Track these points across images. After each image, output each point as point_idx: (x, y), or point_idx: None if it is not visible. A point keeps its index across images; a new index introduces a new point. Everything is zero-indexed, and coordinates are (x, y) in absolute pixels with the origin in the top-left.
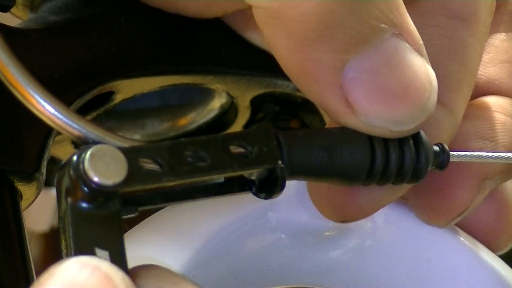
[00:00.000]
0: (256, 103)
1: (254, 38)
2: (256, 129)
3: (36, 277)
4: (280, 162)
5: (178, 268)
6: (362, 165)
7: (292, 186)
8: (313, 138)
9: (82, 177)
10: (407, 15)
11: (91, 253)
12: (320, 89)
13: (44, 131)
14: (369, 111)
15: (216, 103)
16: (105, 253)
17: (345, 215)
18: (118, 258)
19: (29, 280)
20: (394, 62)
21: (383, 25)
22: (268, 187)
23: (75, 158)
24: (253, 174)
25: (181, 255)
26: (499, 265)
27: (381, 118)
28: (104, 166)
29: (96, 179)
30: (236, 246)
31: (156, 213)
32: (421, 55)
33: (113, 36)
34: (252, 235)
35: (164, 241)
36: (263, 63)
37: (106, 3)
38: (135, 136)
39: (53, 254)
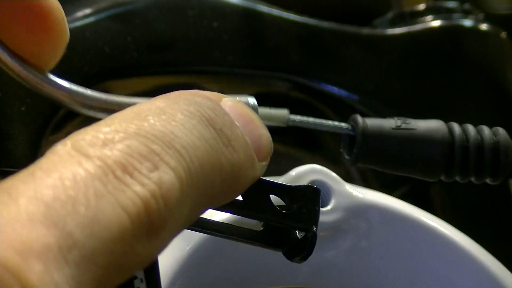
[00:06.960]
0: None
1: None
2: (306, 189)
3: None
4: (314, 228)
5: (173, 268)
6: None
7: None
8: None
9: None
10: None
11: None
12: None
13: (36, 131)
14: None
15: None
16: None
17: None
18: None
19: None
20: None
21: None
22: (295, 249)
23: None
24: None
25: (176, 256)
26: (495, 267)
27: None
28: None
29: None
30: (230, 246)
31: None
32: None
33: (106, 37)
34: None
35: None
36: (257, 63)
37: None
38: None
39: None
